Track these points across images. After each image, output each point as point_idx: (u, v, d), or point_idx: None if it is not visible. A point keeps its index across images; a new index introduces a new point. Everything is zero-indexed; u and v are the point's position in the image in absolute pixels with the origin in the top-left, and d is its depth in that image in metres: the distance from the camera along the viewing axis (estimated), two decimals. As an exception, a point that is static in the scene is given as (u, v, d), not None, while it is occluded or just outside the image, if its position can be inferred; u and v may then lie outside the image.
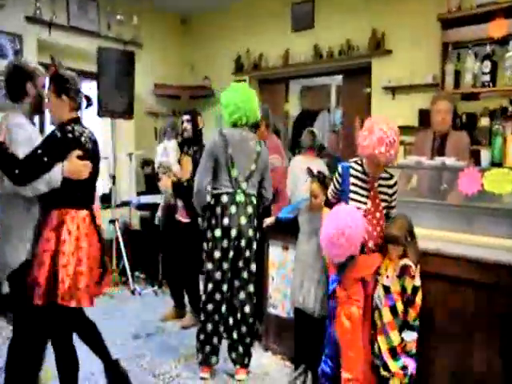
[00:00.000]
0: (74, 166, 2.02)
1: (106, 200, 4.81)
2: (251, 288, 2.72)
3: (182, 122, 3.52)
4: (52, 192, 2.01)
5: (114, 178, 4.57)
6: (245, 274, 2.68)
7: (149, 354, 3.04)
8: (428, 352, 2.24)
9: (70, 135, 2.04)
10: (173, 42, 5.78)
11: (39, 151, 1.97)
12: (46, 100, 2.19)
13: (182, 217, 3.46)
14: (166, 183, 3.49)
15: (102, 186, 5.00)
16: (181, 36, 5.88)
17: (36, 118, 2.40)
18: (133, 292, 4.20)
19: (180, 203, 3.47)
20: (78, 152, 2.03)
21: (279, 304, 2.98)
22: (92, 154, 2.13)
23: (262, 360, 2.97)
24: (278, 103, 5.21)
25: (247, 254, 2.67)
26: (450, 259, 2.22)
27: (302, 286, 2.56)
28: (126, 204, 4.85)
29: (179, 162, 3.56)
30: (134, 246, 4.61)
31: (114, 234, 4.41)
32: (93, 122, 5.05)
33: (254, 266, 2.72)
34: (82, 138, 2.09)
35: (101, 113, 4.42)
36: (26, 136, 2.04)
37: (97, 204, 2.32)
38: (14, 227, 2.06)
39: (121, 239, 4.37)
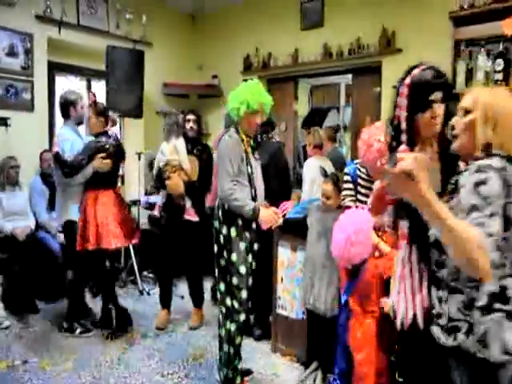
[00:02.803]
0: (98, 163, 3.12)
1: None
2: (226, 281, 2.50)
3: (188, 121, 3.50)
4: (90, 178, 3.14)
5: (122, 177, 4.57)
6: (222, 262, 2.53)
7: (157, 354, 3.04)
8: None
9: (97, 144, 3.15)
10: (182, 41, 5.77)
11: (80, 156, 3.09)
12: (87, 118, 3.29)
13: (190, 216, 3.46)
14: (177, 183, 3.38)
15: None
16: (190, 35, 5.87)
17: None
18: (141, 292, 4.20)
19: (188, 203, 3.46)
20: (101, 154, 3.12)
21: (288, 305, 2.96)
22: (114, 154, 3.20)
23: (271, 361, 2.95)
24: (287, 102, 5.18)
25: (217, 244, 2.52)
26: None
27: (312, 287, 2.54)
28: (134, 203, 4.86)
29: None
30: (142, 246, 4.61)
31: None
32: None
33: (222, 261, 2.50)
34: (106, 145, 3.16)
35: (109, 112, 4.42)
36: (69, 145, 3.15)
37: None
38: (70, 199, 3.24)
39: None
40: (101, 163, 3.12)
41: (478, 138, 1.32)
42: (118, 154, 3.29)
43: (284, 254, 2.98)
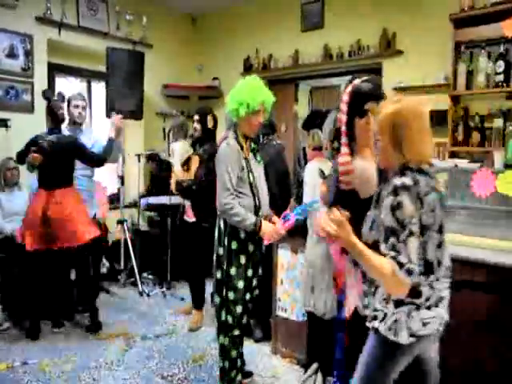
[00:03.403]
0: (28, 157, 3.17)
1: (115, 200, 4.83)
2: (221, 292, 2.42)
3: (193, 121, 3.56)
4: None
5: (122, 178, 4.57)
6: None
7: (157, 356, 3.03)
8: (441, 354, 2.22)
9: (35, 138, 3.22)
10: (182, 43, 5.77)
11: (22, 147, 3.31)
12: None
13: (188, 217, 3.52)
14: (172, 183, 3.59)
15: (111, 186, 5.02)
16: (190, 36, 5.87)
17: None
18: (141, 293, 4.20)
19: (188, 203, 3.51)
20: (32, 148, 3.17)
21: (288, 307, 2.95)
22: (47, 151, 3.15)
23: (271, 363, 2.95)
24: (287, 104, 5.18)
25: (216, 255, 2.41)
26: (461, 263, 2.19)
27: (312, 288, 2.53)
28: (134, 204, 4.86)
29: (187, 161, 3.59)
30: (142, 247, 4.61)
31: (123, 234, 4.41)
32: (102, 122, 5.07)
33: (219, 273, 2.39)
34: (40, 141, 3.18)
35: (109, 113, 4.42)
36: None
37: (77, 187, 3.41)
38: None
39: (129, 240, 4.37)
40: (29, 156, 3.15)
41: (391, 161, 1.53)
42: (55, 152, 3.18)
43: (284, 257, 2.97)
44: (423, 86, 4.00)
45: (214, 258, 2.42)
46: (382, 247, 1.46)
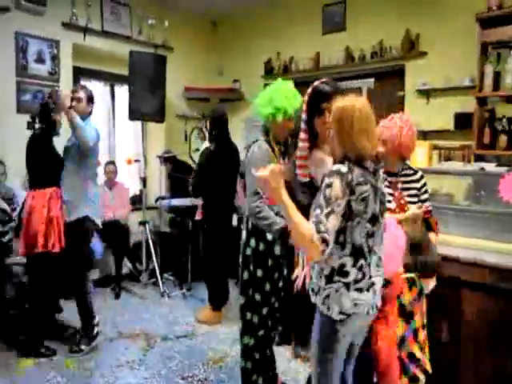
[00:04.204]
0: None
1: (137, 202, 4.90)
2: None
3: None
4: None
5: (144, 180, 4.62)
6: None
7: (177, 357, 3.06)
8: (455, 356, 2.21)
9: None
10: (203, 46, 5.82)
11: None
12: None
13: (197, 215, 3.74)
14: None
15: (133, 187, 5.09)
16: (211, 39, 5.91)
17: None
18: (162, 294, 4.24)
19: (199, 202, 3.71)
20: None
21: (309, 310, 2.93)
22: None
23: (291, 367, 2.94)
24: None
25: (243, 256, 2.43)
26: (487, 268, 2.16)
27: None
28: (156, 207, 4.91)
29: None
30: (163, 248, 4.66)
31: (144, 235, 4.46)
32: (124, 124, 5.16)
33: (246, 273, 2.39)
34: None
35: (132, 116, 4.48)
36: None
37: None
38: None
39: (151, 241, 4.42)
40: None
41: (335, 150, 1.69)
42: (29, 149, 3.14)
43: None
44: (447, 87, 3.93)
45: (240, 258, 2.43)
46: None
